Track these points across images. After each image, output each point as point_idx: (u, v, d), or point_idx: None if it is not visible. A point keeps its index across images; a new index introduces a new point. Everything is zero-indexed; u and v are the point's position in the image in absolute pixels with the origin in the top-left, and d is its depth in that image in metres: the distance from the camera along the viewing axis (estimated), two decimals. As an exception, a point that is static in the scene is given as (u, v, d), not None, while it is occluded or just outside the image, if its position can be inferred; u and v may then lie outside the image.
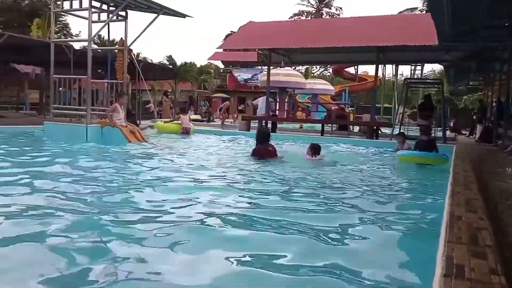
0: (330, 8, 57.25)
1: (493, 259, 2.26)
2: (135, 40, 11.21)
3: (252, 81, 34.87)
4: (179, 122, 13.91)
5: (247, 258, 2.78)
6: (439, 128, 15.58)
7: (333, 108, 21.78)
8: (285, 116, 19.04)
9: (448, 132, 16.47)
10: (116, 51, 12.17)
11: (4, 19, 34.84)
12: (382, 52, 14.20)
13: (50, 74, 10.96)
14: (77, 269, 2.50)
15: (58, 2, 10.86)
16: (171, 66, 29.41)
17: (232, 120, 22.89)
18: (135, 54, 18.47)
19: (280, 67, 19.69)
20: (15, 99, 23.04)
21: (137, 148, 9.17)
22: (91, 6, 10.12)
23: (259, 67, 34.83)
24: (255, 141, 8.07)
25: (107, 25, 11.13)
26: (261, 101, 17.60)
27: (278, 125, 17.16)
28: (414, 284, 2.55)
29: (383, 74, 26.19)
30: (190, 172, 6.16)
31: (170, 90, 28.27)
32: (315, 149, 8.15)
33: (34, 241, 2.94)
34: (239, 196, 4.63)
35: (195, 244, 3.01)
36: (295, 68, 27.76)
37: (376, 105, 17.48)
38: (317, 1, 56.81)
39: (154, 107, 21.85)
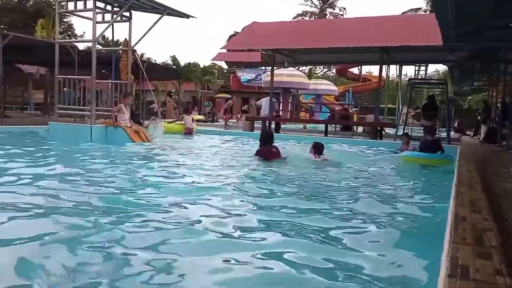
0: (334, 9, 57.22)
1: (498, 260, 2.25)
2: (139, 40, 11.27)
3: (256, 82, 34.92)
4: (182, 122, 13.93)
5: (249, 260, 2.76)
6: (443, 129, 15.53)
7: (336, 108, 21.76)
8: (289, 117, 19.04)
9: (452, 133, 16.41)
10: (120, 51, 12.22)
11: (9, 19, 35.01)
12: (386, 53, 14.18)
13: (54, 74, 11.01)
14: (79, 269, 2.50)
15: (63, 3, 10.92)
16: (174, 67, 29.50)
17: (235, 120, 22.88)
18: (139, 54, 18.55)
19: (284, 67, 19.70)
20: (19, 99, 23.18)
21: (140, 148, 9.19)
22: (96, 7, 10.16)
23: (263, 68, 34.86)
24: (259, 142, 8.02)
25: (111, 26, 11.17)
26: (264, 102, 17.61)
27: (282, 126, 17.16)
28: (419, 284, 2.54)
29: (387, 74, 26.13)
30: (192, 173, 6.14)
31: (173, 91, 28.34)
32: (316, 148, 8.11)
33: (34, 240, 2.95)
34: (241, 197, 4.59)
35: (196, 245, 3.00)
36: (298, 68, 27.74)
37: (380, 105, 17.45)
38: (320, 2, 56.79)
39: (158, 108, 21.88)
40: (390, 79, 30.73)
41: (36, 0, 37.14)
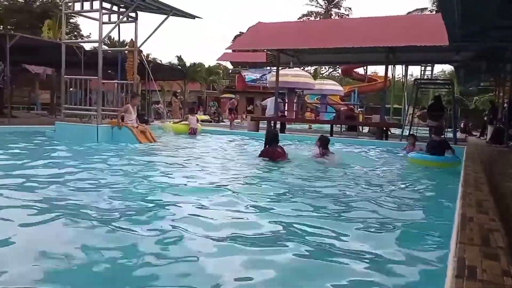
0: (339, 9, 57.13)
1: (506, 261, 2.25)
2: (145, 41, 11.31)
3: (261, 82, 34.90)
4: (187, 122, 13.95)
5: (251, 261, 2.76)
6: (449, 129, 15.46)
7: (342, 108, 21.73)
8: (294, 117, 19.03)
9: (458, 134, 16.33)
10: (126, 52, 12.28)
11: (16, 20, 35.25)
12: (391, 53, 14.14)
13: (61, 74, 11.07)
14: (81, 268, 2.52)
15: (69, 4, 10.98)
16: (180, 67, 29.58)
17: (239, 120, 22.87)
18: (145, 55, 18.63)
19: (289, 67, 19.69)
20: (26, 99, 23.32)
21: (146, 148, 9.23)
22: (102, 8, 10.21)
23: (268, 68, 34.86)
24: (264, 143, 7.96)
25: (117, 26, 11.22)
26: (269, 102, 17.63)
27: (287, 126, 17.16)
28: (426, 285, 2.54)
29: (392, 74, 26.04)
30: (194, 174, 6.12)
31: (179, 91, 28.41)
32: (322, 142, 8.06)
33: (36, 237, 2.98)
34: (242, 198, 4.53)
35: (197, 246, 2.99)
36: (304, 68, 27.73)
37: (386, 105, 17.41)
38: (326, 2, 56.70)
39: (164, 108, 21.96)
40: (396, 79, 30.66)
41: (43, 1, 37.41)
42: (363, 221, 3.79)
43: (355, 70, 32.15)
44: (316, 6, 56.98)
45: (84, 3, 10.46)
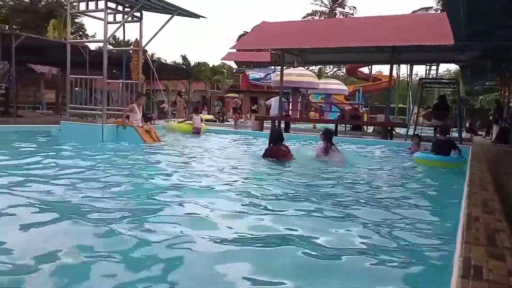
0: (344, 8, 56.96)
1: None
2: (149, 40, 11.33)
3: (265, 81, 34.84)
4: (192, 122, 13.97)
5: (253, 262, 2.75)
6: (455, 129, 15.40)
7: (346, 108, 21.68)
8: (298, 116, 19.00)
9: (464, 133, 16.26)
10: (131, 51, 12.30)
11: (21, 20, 35.41)
12: (396, 52, 14.10)
13: (66, 74, 11.11)
14: (84, 268, 2.52)
15: (74, 3, 11.02)
16: (184, 66, 29.63)
17: (243, 119, 22.85)
18: (150, 54, 18.66)
19: (293, 67, 19.67)
20: (31, 99, 23.41)
21: (150, 147, 9.25)
22: (107, 7, 10.23)
23: (272, 67, 34.83)
24: (268, 141, 7.87)
25: (122, 26, 11.24)
26: (274, 101, 17.61)
27: (291, 125, 17.15)
28: (432, 284, 2.53)
29: (397, 74, 25.95)
30: (198, 173, 6.11)
31: (183, 90, 28.45)
32: (326, 135, 8.05)
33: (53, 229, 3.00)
34: (243, 199, 4.50)
35: (200, 246, 2.97)
36: (308, 68, 27.70)
37: (391, 105, 17.35)
38: (330, 1, 56.57)
39: (168, 107, 22.01)
40: (401, 78, 30.56)
41: (48, 0, 37.54)
42: (367, 221, 3.78)
43: (359, 69, 32.07)
44: (320, 6, 56.90)
45: (89, 2, 10.49)
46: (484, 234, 2.74)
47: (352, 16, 53.48)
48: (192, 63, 32.05)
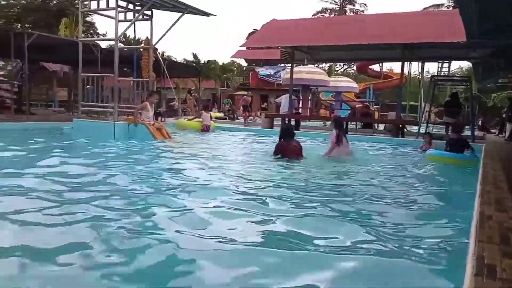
0: (354, 5, 56.54)
1: (526, 260, 2.22)
2: (160, 39, 11.37)
3: (274, 78, 34.80)
4: (201, 119, 14.00)
5: (259, 264, 2.70)
6: (467, 127, 15.25)
7: (357, 106, 21.57)
8: (308, 114, 18.97)
9: (476, 131, 16.08)
10: (141, 49, 12.38)
11: (33, 19, 35.80)
12: (408, 49, 13.98)
13: (78, 72, 11.21)
14: (87, 267, 2.52)
15: (86, 2, 11.11)
16: (195, 64, 29.75)
17: (251, 117, 22.81)
18: (160, 52, 18.76)
19: (303, 64, 19.62)
20: (44, 97, 23.70)
21: (160, 144, 9.30)
22: (118, 6, 10.30)
23: (282, 65, 34.77)
24: (278, 137, 7.68)
25: (133, 24, 11.30)
26: (284, 99, 17.60)
27: (302, 123, 17.11)
28: (444, 282, 2.51)
29: (408, 71, 25.75)
30: (206, 171, 6.07)
31: (194, 88, 28.56)
32: (336, 123, 8.03)
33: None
34: (253, 199, 4.43)
35: (207, 247, 2.95)
36: (318, 65, 27.58)
37: (402, 103, 17.21)
38: (340, -2, 56.26)
39: (178, 105, 22.11)
40: (412, 75, 30.31)
41: (60, -1, 37.91)
42: (378, 219, 3.76)
43: (370, 67, 31.88)
44: (330, 3, 56.55)
45: (100, 1, 10.58)
46: (497, 233, 2.72)
47: (362, 13, 53.11)
48: (202, 61, 32.17)
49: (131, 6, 10.93)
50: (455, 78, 21.92)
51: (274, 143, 7.78)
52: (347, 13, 53.82)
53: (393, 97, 29.19)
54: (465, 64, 39.19)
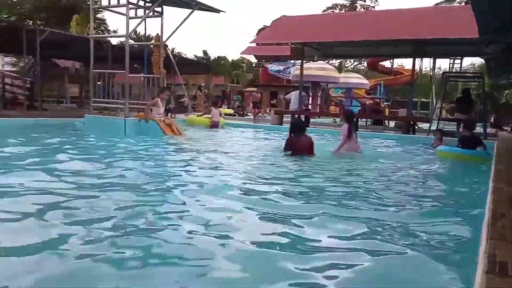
0: (365, 1, 56.13)
1: (539, 258, 2.20)
2: (170, 35, 11.41)
3: (284, 74, 34.68)
4: (210, 116, 14.02)
5: (266, 264, 2.70)
6: (479, 124, 15.08)
7: (367, 102, 21.44)
8: (318, 111, 18.90)
9: (488, 128, 15.90)
10: (152, 46, 12.43)
11: (45, 16, 36.08)
12: (419, 46, 13.84)
13: (89, 68, 11.31)
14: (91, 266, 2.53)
15: (97, -1, 11.19)
16: (205, 60, 29.81)
17: (261, 114, 22.79)
18: (170, 49, 18.82)
19: (313, 61, 19.53)
20: (56, 93, 23.96)
21: (170, 141, 9.36)
22: (129, 2, 10.35)
23: (292, 61, 34.67)
24: (289, 131, 7.58)
25: (143, 21, 11.35)
26: (293, 96, 17.56)
27: (311, 120, 17.06)
28: (455, 280, 2.50)
29: (420, 67, 25.51)
30: (214, 168, 6.06)
31: (203, 84, 28.63)
32: (346, 117, 8.01)
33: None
34: (256, 196, 4.39)
35: (214, 246, 2.91)
36: (328, 62, 27.46)
37: (413, 99, 17.07)
38: (351, -6, 55.87)
39: (188, 101, 22.18)
40: (423, 72, 30.05)
41: (71, -4, 38.10)
42: (389, 217, 3.75)
43: (381, 63, 31.61)
44: (341, -1, 56.23)
45: (111, -2, 10.64)
46: (509, 231, 2.69)
47: (373, 9, 52.67)
48: (212, 58, 32.22)
49: (141, 3, 10.97)
50: (467, 74, 21.63)
51: (284, 140, 7.75)
52: (357, 9, 53.43)
53: (404, 94, 28.97)
54: (478, 61, 38.63)
